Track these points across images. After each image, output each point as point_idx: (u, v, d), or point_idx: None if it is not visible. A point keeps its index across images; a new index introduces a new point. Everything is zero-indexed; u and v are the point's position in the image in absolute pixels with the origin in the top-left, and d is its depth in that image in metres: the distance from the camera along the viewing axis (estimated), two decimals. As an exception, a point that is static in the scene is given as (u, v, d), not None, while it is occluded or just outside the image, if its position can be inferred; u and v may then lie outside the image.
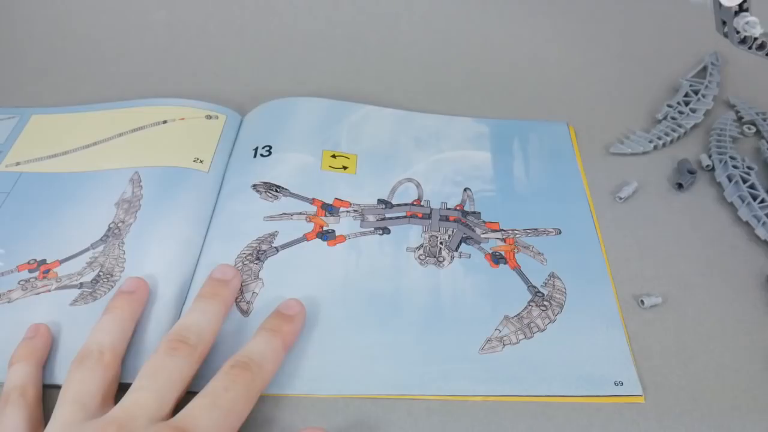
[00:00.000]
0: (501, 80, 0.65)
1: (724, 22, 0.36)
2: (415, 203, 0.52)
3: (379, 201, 0.52)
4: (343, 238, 0.49)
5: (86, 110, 0.59)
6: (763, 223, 0.50)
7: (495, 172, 0.55)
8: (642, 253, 0.49)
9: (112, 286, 0.45)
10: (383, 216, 0.51)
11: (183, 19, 0.72)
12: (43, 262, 0.46)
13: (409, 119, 0.60)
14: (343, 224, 0.50)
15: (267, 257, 0.47)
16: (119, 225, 0.49)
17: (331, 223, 0.50)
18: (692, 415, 0.40)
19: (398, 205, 0.52)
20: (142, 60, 0.66)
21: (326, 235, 0.49)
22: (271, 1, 0.71)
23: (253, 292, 0.45)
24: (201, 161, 0.54)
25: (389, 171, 0.55)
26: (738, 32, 0.36)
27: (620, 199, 0.53)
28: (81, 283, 0.45)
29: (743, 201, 0.52)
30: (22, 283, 0.45)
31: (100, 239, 0.48)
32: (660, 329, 0.45)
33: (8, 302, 0.44)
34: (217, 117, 0.58)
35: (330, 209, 0.51)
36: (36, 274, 0.46)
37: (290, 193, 0.52)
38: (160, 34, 0.70)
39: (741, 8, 0.35)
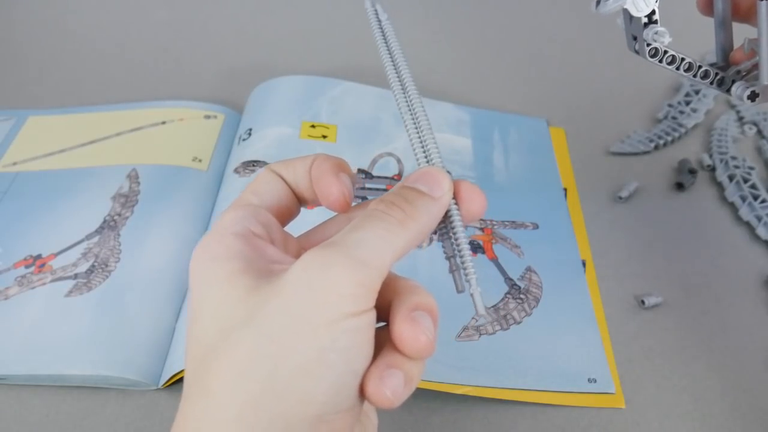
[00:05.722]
0: (500, 78, 0.65)
1: (635, 38, 0.37)
2: (395, 178, 0.52)
3: (359, 170, 0.52)
4: None
5: (84, 111, 0.59)
6: (764, 223, 0.50)
7: (475, 159, 0.55)
8: (642, 253, 0.49)
9: (107, 276, 0.45)
10: (363, 186, 0.50)
11: (183, 19, 0.72)
12: (39, 256, 0.46)
13: (390, 98, 0.59)
14: None
15: None
16: (115, 218, 0.48)
17: None
18: (693, 415, 0.40)
19: (378, 177, 0.51)
20: (141, 60, 0.66)
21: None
22: (271, 1, 0.71)
23: None
24: (200, 160, 0.53)
25: (370, 143, 0.54)
26: (648, 45, 0.37)
27: (620, 198, 0.53)
28: (75, 274, 0.45)
29: (744, 201, 0.51)
30: (18, 279, 0.45)
31: (95, 231, 0.48)
32: (660, 329, 0.44)
33: (5, 299, 0.44)
34: (215, 117, 0.58)
35: None
36: (32, 269, 0.46)
37: (266, 164, 0.51)
38: (160, 34, 0.70)
39: (650, 20, 0.36)
